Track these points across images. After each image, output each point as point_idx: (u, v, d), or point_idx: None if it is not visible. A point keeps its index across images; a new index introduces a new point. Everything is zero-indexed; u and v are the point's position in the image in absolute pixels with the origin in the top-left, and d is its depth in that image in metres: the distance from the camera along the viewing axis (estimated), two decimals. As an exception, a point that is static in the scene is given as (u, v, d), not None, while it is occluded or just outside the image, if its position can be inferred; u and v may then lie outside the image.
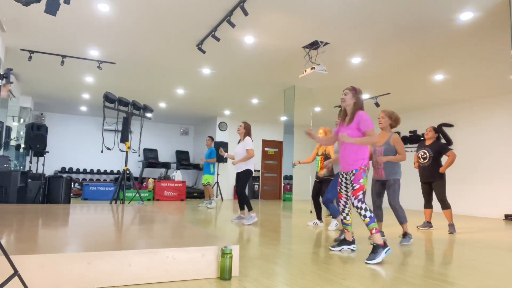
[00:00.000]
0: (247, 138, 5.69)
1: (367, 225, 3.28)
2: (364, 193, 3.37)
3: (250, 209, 5.61)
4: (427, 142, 5.58)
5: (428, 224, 5.72)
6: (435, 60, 6.41)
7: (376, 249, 3.19)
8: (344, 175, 3.51)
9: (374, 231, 3.24)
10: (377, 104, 9.05)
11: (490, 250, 4.04)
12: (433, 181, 5.44)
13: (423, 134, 10.12)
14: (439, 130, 9.80)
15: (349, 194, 3.50)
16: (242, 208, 5.84)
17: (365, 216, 3.28)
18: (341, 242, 3.67)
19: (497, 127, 8.52)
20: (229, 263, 2.46)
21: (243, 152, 5.62)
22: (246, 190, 5.72)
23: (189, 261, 2.43)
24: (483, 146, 8.78)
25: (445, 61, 6.41)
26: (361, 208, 3.29)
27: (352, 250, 3.65)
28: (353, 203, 3.35)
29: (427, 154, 5.49)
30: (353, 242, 3.67)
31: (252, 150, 5.58)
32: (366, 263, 3.13)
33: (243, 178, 5.60)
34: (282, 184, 13.16)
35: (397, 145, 4.26)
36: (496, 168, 8.46)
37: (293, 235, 4.66)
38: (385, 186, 4.41)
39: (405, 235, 4.28)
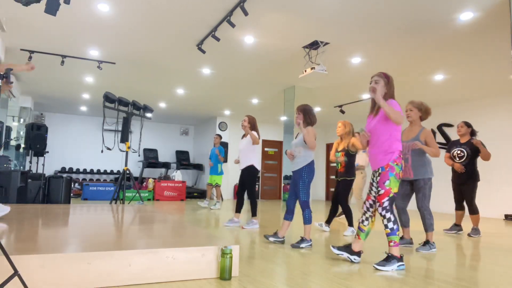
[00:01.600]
0: (253, 132, 5.22)
1: (387, 235, 2.99)
2: (392, 198, 2.97)
3: (254, 214, 5.20)
4: (462, 140, 5.03)
5: (456, 227, 5.16)
6: (435, 60, 6.41)
7: (389, 259, 2.94)
8: (374, 174, 3.12)
9: (392, 243, 2.97)
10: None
11: (490, 250, 4.03)
12: (464, 183, 4.97)
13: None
14: (438, 129, 9.84)
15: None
16: (238, 211, 5.29)
17: (386, 227, 2.97)
18: (346, 247, 3.19)
19: (497, 127, 8.52)
20: (229, 263, 2.46)
21: (248, 147, 5.17)
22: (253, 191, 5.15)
23: (189, 261, 2.43)
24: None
25: (445, 61, 6.41)
26: (384, 217, 2.97)
27: (352, 261, 3.15)
28: (377, 209, 3.02)
29: (465, 152, 4.94)
30: (356, 254, 3.14)
31: (255, 137, 5.13)
32: (375, 267, 2.92)
33: (248, 177, 5.13)
34: (282, 184, 13.16)
35: (429, 140, 3.80)
36: (496, 168, 8.45)
37: (293, 235, 4.66)
38: (413, 187, 3.94)
39: (426, 243, 3.82)
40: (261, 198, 13.03)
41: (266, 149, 13.39)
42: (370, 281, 2.56)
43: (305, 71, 5.98)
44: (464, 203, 5.11)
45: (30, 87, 9.18)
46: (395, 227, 2.96)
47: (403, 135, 4.03)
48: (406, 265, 3.13)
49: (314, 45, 5.93)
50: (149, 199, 10.39)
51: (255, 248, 3.67)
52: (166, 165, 12.84)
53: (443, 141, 9.63)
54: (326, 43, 5.86)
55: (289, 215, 3.95)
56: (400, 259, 2.97)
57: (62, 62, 6.65)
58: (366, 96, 9.02)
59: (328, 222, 5.12)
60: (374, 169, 3.10)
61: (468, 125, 5.06)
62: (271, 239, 3.97)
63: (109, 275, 2.21)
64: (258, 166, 5.21)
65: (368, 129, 3.16)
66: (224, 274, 2.45)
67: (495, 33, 5.21)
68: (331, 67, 6.94)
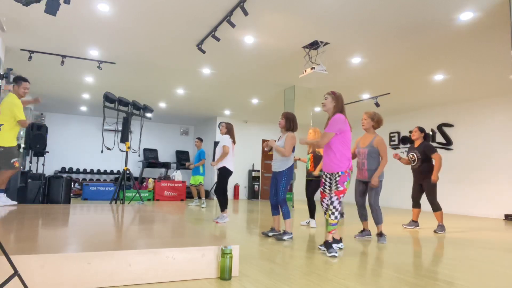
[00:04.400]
0: (225, 136, 5.70)
1: (331, 225, 3.47)
2: (344, 195, 3.50)
3: (222, 209, 5.61)
4: (415, 144, 5.53)
5: (414, 223, 5.73)
6: (435, 60, 6.41)
7: (329, 245, 3.46)
8: (329, 175, 3.60)
9: (334, 231, 3.52)
10: (377, 104, 9.06)
11: (490, 250, 4.04)
12: (423, 183, 5.42)
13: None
14: (438, 129, 9.84)
15: (331, 193, 3.58)
16: (224, 208, 5.85)
17: (336, 217, 3.46)
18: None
19: (497, 127, 8.53)
20: (229, 263, 2.46)
21: (221, 150, 5.62)
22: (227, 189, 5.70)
23: (189, 261, 2.43)
24: (483, 146, 8.78)
25: (445, 61, 6.41)
26: (336, 209, 3.45)
27: (340, 249, 3.69)
28: (332, 202, 3.44)
29: (415, 156, 5.46)
30: (340, 241, 3.69)
31: (227, 147, 5.57)
32: (320, 248, 3.54)
33: (220, 177, 5.59)
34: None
35: (380, 148, 4.33)
36: (496, 168, 8.46)
37: (293, 235, 4.66)
38: (367, 186, 4.51)
39: (380, 234, 4.34)
40: (261, 198, 13.03)
41: (266, 149, 13.36)
42: (369, 281, 2.57)
43: (305, 71, 5.98)
44: (421, 202, 5.66)
45: (30, 87, 9.18)
46: (338, 218, 3.51)
47: (360, 142, 4.56)
48: (404, 264, 3.13)
49: (314, 45, 5.93)
50: (149, 199, 10.39)
51: (255, 248, 3.68)
52: (166, 165, 12.83)
53: (443, 141, 9.63)
54: (326, 43, 5.86)
55: (275, 210, 4.42)
56: (340, 240, 3.65)
57: (62, 62, 6.65)
58: (366, 96, 9.03)
59: (312, 217, 5.67)
60: (331, 171, 3.55)
61: (421, 130, 5.50)
62: (270, 234, 4.39)
63: (109, 275, 2.21)
64: (231, 168, 5.69)
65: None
66: (224, 274, 2.45)
67: (495, 33, 5.21)
68: (331, 67, 6.94)
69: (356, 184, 4.58)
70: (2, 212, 4.19)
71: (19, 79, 4.75)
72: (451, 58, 6.26)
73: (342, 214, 6.93)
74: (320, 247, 3.68)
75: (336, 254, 3.37)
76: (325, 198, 3.64)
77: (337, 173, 3.50)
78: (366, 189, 4.53)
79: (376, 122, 4.42)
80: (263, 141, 13.36)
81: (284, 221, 4.26)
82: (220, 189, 5.58)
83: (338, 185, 3.47)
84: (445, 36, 5.39)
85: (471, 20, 4.88)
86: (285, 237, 4.19)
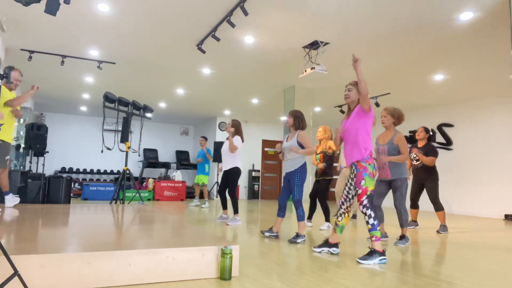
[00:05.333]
0: (237, 137, 5.54)
1: (369, 231, 3.24)
2: (370, 196, 3.24)
3: (235, 212, 5.47)
4: (419, 144, 5.47)
5: (413, 223, 5.72)
6: (435, 60, 6.41)
7: (372, 253, 3.14)
8: (351, 171, 3.39)
9: (374, 238, 3.19)
10: (377, 104, 9.06)
11: (490, 250, 4.04)
12: (425, 182, 5.38)
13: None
14: (438, 129, 9.85)
15: (349, 195, 3.39)
16: (225, 208, 5.76)
17: (368, 223, 3.23)
18: (324, 243, 3.55)
19: (497, 127, 8.53)
20: (229, 263, 2.46)
21: (229, 150, 5.46)
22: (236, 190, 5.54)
23: (189, 261, 2.43)
24: (483, 146, 8.78)
25: (445, 61, 6.41)
26: (365, 214, 3.22)
27: (332, 253, 3.46)
28: (359, 207, 3.27)
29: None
30: (334, 246, 3.48)
31: (236, 146, 5.40)
32: (358, 261, 3.12)
33: (232, 177, 5.43)
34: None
35: (401, 144, 4.12)
36: (496, 168, 8.46)
37: (292, 235, 4.66)
38: (390, 187, 4.27)
39: (402, 237, 4.18)
40: (261, 198, 13.03)
41: (266, 149, 13.38)
42: (369, 281, 2.57)
43: (305, 71, 5.97)
44: (420, 202, 5.64)
45: (30, 88, 9.18)
46: (375, 222, 3.21)
47: (380, 139, 4.36)
48: (404, 264, 3.13)
49: (314, 45, 5.92)
50: (149, 199, 10.39)
51: (255, 248, 3.68)
52: (166, 165, 12.83)
53: (443, 141, 9.63)
54: (326, 43, 5.86)
55: (281, 212, 4.29)
56: (383, 253, 3.16)
57: (62, 62, 6.65)
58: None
59: (310, 217, 5.63)
60: (349, 164, 3.35)
61: (427, 130, 5.47)
62: (267, 234, 4.36)
63: (109, 275, 2.21)
64: (242, 167, 5.57)
65: (343, 130, 3.45)
66: (224, 274, 2.45)
67: (495, 33, 5.21)
68: (331, 67, 6.94)
69: (376, 184, 4.32)
70: (2, 212, 4.19)
71: (10, 69, 4.71)
72: (451, 58, 6.26)
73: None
74: (314, 249, 3.53)
75: (369, 265, 3.03)
76: (341, 199, 3.42)
77: (352, 169, 3.31)
78: (386, 190, 4.29)
79: (397, 118, 4.23)
80: (263, 141, 13.35)
81: (298, 224, 4.11)
82: (234, 191, 5.42)
83: (357, 189, 3.25)
84: (445, 36, 5.39)
85: (471, 20, 4.87)
86: (299, 240, 4.03)
